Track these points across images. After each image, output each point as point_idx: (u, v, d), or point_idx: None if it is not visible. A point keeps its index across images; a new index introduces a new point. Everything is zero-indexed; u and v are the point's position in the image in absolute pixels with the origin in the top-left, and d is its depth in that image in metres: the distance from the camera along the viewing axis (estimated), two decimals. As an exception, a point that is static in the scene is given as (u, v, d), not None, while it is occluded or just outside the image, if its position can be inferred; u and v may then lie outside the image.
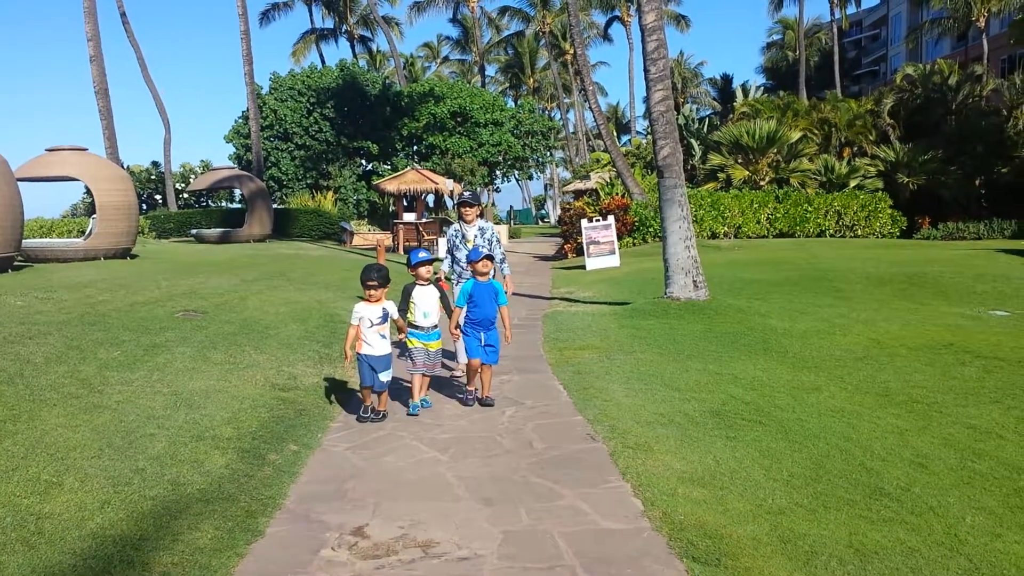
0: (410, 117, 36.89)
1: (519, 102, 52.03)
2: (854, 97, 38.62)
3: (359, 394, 6.56)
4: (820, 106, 33.43)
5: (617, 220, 22.22)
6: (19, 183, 14.57)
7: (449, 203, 34.23)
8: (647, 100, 11.75)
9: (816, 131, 31.40)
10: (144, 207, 36.28)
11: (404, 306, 6.57)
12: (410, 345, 6.56)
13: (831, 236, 27.01)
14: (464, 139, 37.11)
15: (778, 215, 26.94)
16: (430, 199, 31.52)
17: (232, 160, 37.42)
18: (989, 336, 8.91)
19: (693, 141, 34.78)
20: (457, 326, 6.84)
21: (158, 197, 39.37)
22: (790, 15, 60.94)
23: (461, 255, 7.57)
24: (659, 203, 11.82)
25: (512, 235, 38.48)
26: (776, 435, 5.52)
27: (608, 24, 64.48)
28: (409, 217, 27.49)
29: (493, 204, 57.43)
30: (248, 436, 5.54)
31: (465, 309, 6.76)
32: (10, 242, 13.50)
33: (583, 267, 19.58)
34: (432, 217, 29.63)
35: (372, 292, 6.16)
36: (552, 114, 71.02)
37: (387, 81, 40.45)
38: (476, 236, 7.59)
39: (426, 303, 6.57)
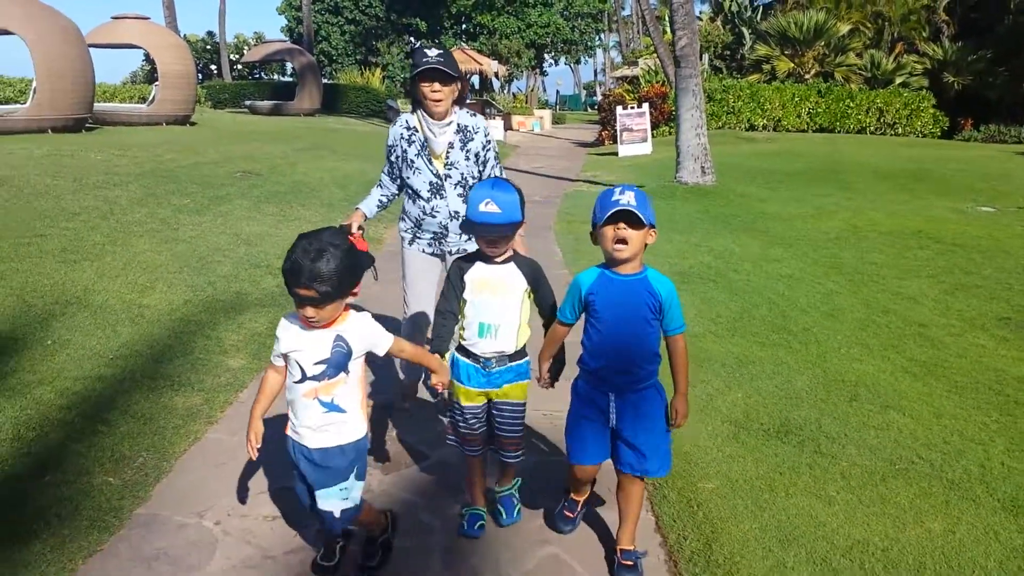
0: (460, -6, 37.04)
1: (572, -18, 51.15)
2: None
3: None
4: (876, -1, 32.64)
5: (655, 108, 22.81)
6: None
7: (496, 84, 34.73)
8: (671, -10, 12.36)
9: (869, 25, 30.84)
10: (200, 77, 37.42)
11: (450, 309, 2.98)
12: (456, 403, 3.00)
13: (871, 133, 27.05)
14: (512, 19, 37.22)
15: (819, 110, 26.95)
16: (475, 80, 32.10)
17: (284, 33, 38.22)
18: (960, 227, 9.80)
19: (744, 30, 34.38)
20: (549, 370, 2.96)
21: (213, 67, 40.43)
22: None
23: (420, 181, 3.71)
24: (675, 92, 12.64)
25: (556, 120, 38.93)
26: (722, 290, 6.68)
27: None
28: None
29: (543, 88, 57.30)
30: (294, 268, 6.87)
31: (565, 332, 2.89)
32: (84, 104, 14.89)
33: (616, 153, 20.40)
34: (476, 99, 30.32)
35: (307, 309, 2.35)
36: (607, -4, 69.35)
37: (439, -44, 40.28)
38: (449, 146, 3.66)
39: (492, 307, 2.90)
